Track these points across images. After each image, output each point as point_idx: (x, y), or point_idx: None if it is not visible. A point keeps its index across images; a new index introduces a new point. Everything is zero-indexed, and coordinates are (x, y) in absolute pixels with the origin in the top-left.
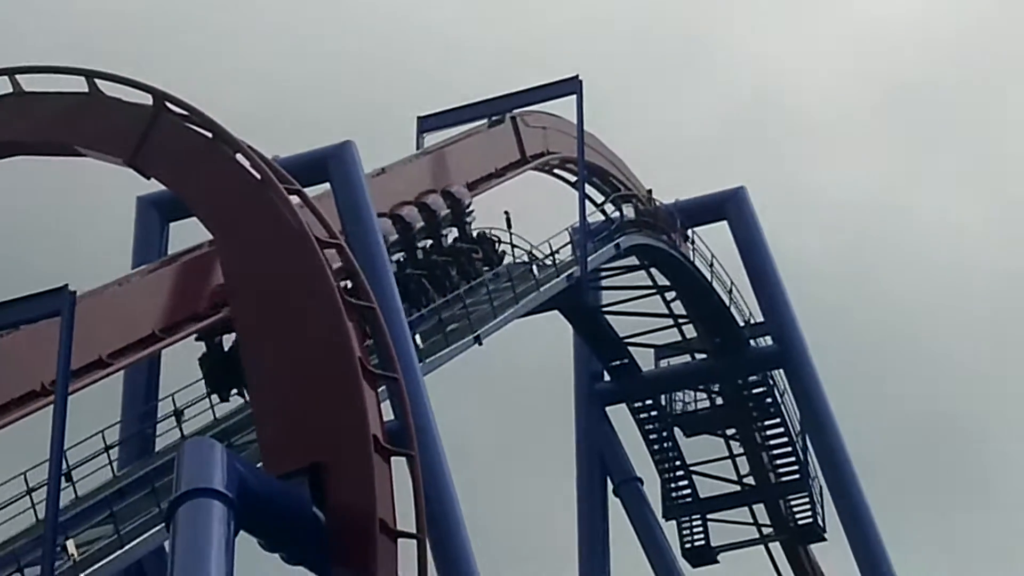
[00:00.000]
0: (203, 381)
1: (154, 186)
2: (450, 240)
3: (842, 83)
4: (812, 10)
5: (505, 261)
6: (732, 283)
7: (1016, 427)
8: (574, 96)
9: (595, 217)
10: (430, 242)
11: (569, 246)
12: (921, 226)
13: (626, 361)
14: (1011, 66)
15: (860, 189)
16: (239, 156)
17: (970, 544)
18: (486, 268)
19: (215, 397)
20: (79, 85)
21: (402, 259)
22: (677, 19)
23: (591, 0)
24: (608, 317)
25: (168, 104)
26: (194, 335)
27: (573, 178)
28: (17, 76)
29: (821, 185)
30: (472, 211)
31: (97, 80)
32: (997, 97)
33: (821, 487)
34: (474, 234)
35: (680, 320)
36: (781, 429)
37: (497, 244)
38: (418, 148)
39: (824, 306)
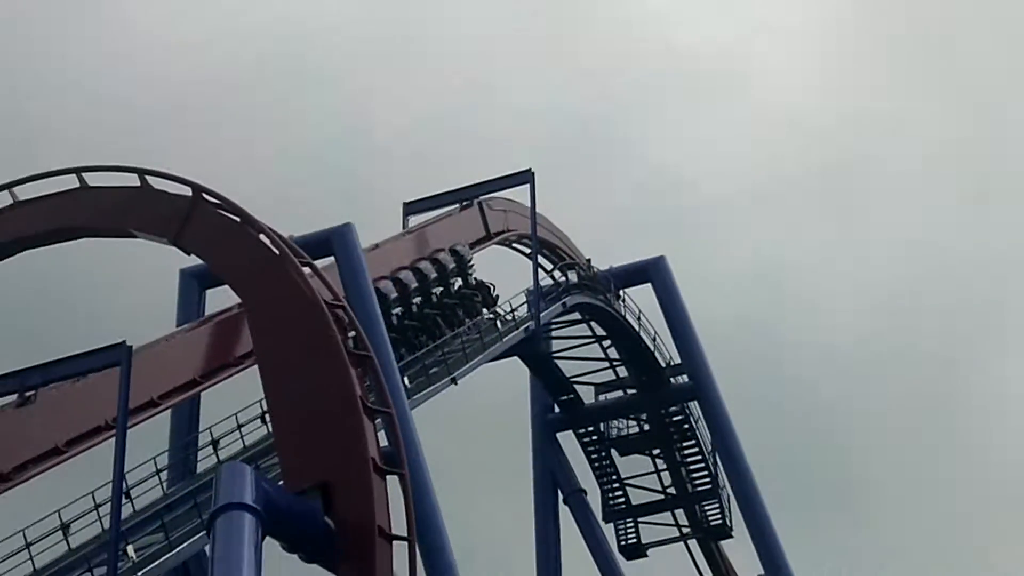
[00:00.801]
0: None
1: (194, 260)
2: (456, 287)
3: (737, 166)
4: (710, 107)
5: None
6: (655, 333)
7: (874, 446)
8: (527, 184)
9: (546, 281)
10: (420, 299)
11: (525, 305)
12: (799, 282)
13: (572, 396)
14: (880, 146)
15: (757, 256)
16: (261, 236)
17: (835, 537)
18: (484, 308)
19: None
20: (132, 180)
21: (400, 312)
22: (605, 121)
23: (539, 100)
24: (557, 361)
25: (204, 195)
26: (231, 375)
27: (527, 250)
28: (83, 173)
29: (724, 252)
30: (472, 264)
31: (147, 176)
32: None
33: (729, 495)
34: (474, 282)
35: (614, 363)
36: (696, 448)
37: (492, 290)
38: (404, 228)
39: (730, 351)
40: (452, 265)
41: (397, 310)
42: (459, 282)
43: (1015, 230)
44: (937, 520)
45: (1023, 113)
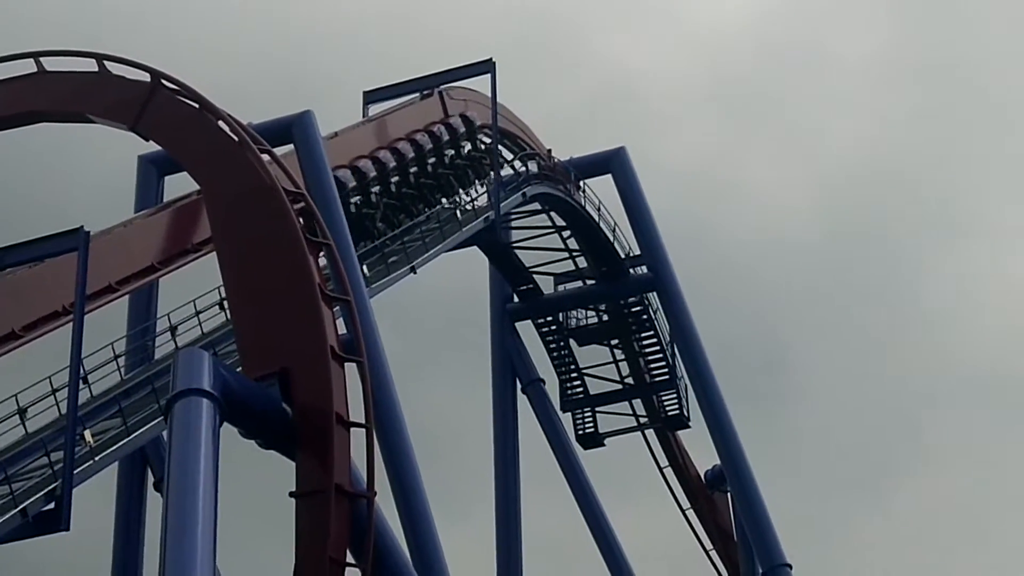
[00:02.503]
0: None
1: (152, 147)
2: (466, 150)
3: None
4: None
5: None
6: (615, 223)
7: (815, 343)
8: (489, 75)
9: (507, 171)
10: (398, 178)
11: (485, 195)
12: (748, 183)
13: (531, 286)
14: (808, 63)
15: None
16: (220, 123)
17: (774, 427)
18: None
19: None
20: (90, 65)
21: (359, 201)
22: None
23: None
24: (517, 251)
25: (163, 81)
26: (190, 262)
27: (488, 140)
28: (40, 58)
29: (671, 146)
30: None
31: (105, 61)
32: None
33: (686, 385)
34: (482, 146)
35: (574, 253)
36: (654, 339)
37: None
38: (364, 116)
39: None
40: (463, 129)
41: (356, 199)
42: (468, 146)
43: (960, 126)
44: (869, 397)
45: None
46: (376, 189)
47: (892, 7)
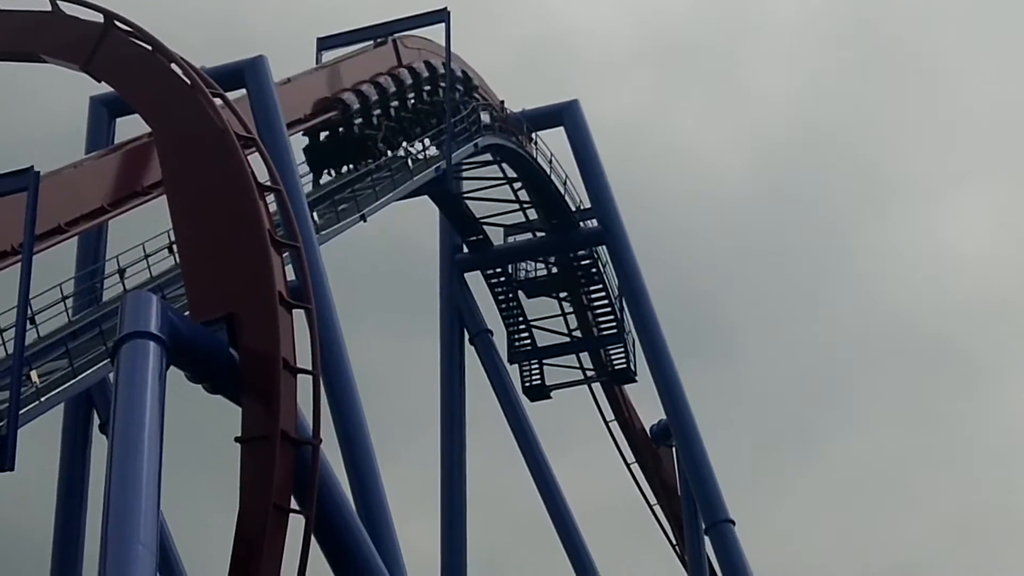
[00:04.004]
0: (308, 164)
1: (104, 88)
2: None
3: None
4: None
5: None
6: (566, 176)
7: (749, 296)
8: (443, 24)
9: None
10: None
11: (436, 145)
12: (678, 138)
13: (481, 237)
14: (743, 20)
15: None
16: (173, 65)
17: (711, 382)
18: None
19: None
20: (42, 4)
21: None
22: None
23: None
24: (467, 202)
25: (116, 22)
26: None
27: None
28: None
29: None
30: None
31: (58, 1)
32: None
33: (634, 340)
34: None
35: (525, 205)
36: (603, 293)
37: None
38: (317, 63)
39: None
40: (426, 74)
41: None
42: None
43: (893, 85)
44: (800, 355)
45: None
46: (377, 112)
47: None
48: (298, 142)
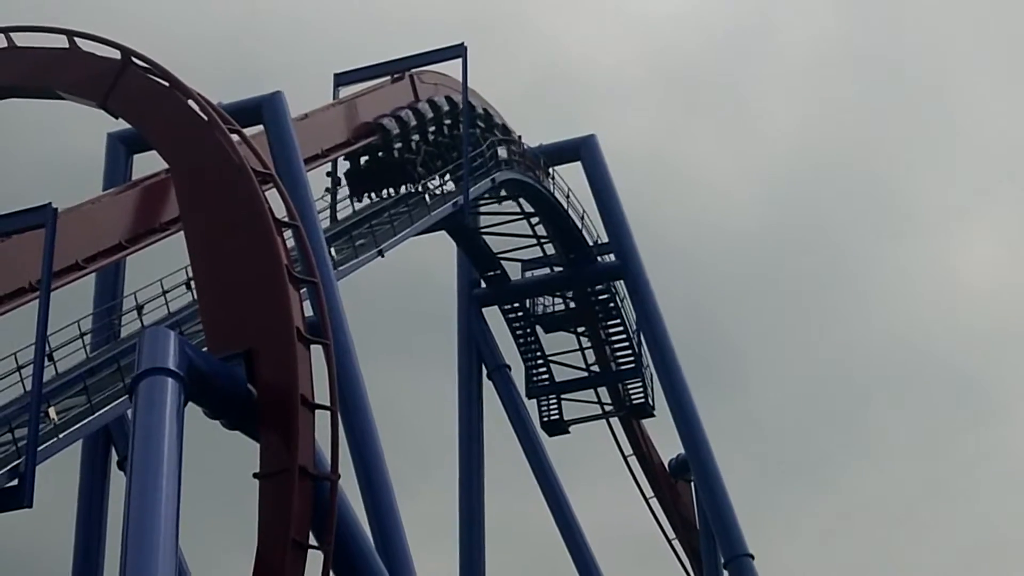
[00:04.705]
0: (348, 188)
1: (121, 124)
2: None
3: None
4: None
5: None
6: (584, 211)
7: (761, 330)
8: (459, 59)
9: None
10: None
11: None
12: (691, 169)
13: (498, 272)
14: (752, 49)
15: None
16: (190, 101)
17: (724, 414)
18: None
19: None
20: (60, 41)
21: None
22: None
23: None
24: (485, 237)
25: (133, 59)
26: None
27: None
28: (11, 33)
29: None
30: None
31: (76, 38)
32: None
33: (652, 374)
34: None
35: (542, 240)
36: (621, 327)
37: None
38: (334, 98)
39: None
40: (447, 108)
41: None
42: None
43: (904, 116)
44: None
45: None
46: (416, 137)
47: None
48: (325, 169)
